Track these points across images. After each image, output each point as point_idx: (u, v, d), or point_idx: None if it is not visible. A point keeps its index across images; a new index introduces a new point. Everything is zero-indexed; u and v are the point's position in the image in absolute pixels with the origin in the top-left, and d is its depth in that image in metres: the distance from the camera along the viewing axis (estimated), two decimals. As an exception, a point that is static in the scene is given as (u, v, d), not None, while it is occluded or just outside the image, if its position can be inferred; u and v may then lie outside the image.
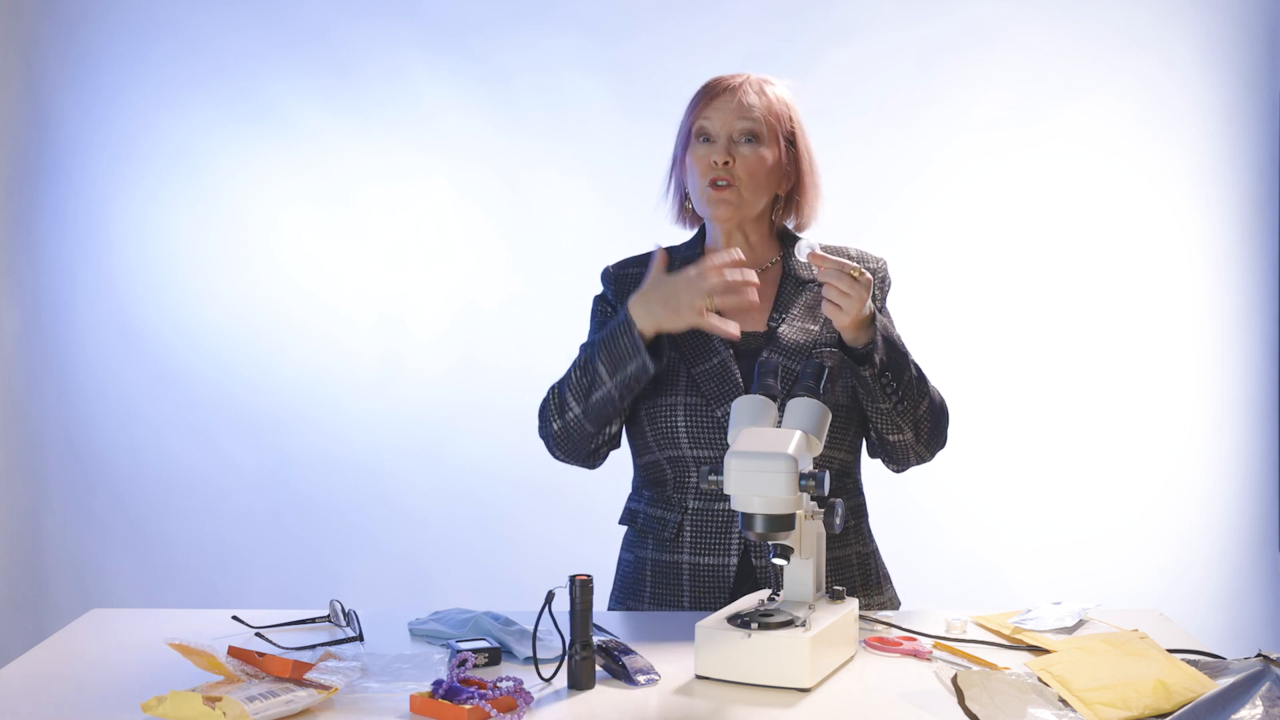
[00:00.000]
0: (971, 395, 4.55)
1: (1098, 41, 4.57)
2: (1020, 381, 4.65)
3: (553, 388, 2.77)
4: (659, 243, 2.75)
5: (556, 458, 2.82)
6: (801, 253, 2.59)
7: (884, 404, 2.66)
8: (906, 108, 4.64)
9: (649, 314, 2.63)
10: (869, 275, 2.55)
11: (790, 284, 2.82)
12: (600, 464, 2.84)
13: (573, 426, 2.74)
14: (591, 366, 2.69)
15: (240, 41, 4.68)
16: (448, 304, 4.75)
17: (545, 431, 2.79)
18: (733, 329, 2.61)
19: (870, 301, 2.57)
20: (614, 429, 2.76)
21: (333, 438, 4.76)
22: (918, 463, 2.79)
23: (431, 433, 4.75)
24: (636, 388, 2.67)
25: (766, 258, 2.86)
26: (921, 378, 2.70)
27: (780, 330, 2.76)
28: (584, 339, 2.81)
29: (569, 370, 2.74)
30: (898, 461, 2.79)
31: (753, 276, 2.60)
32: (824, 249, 2.86)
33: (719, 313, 2.61)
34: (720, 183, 2.74)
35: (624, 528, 2.89)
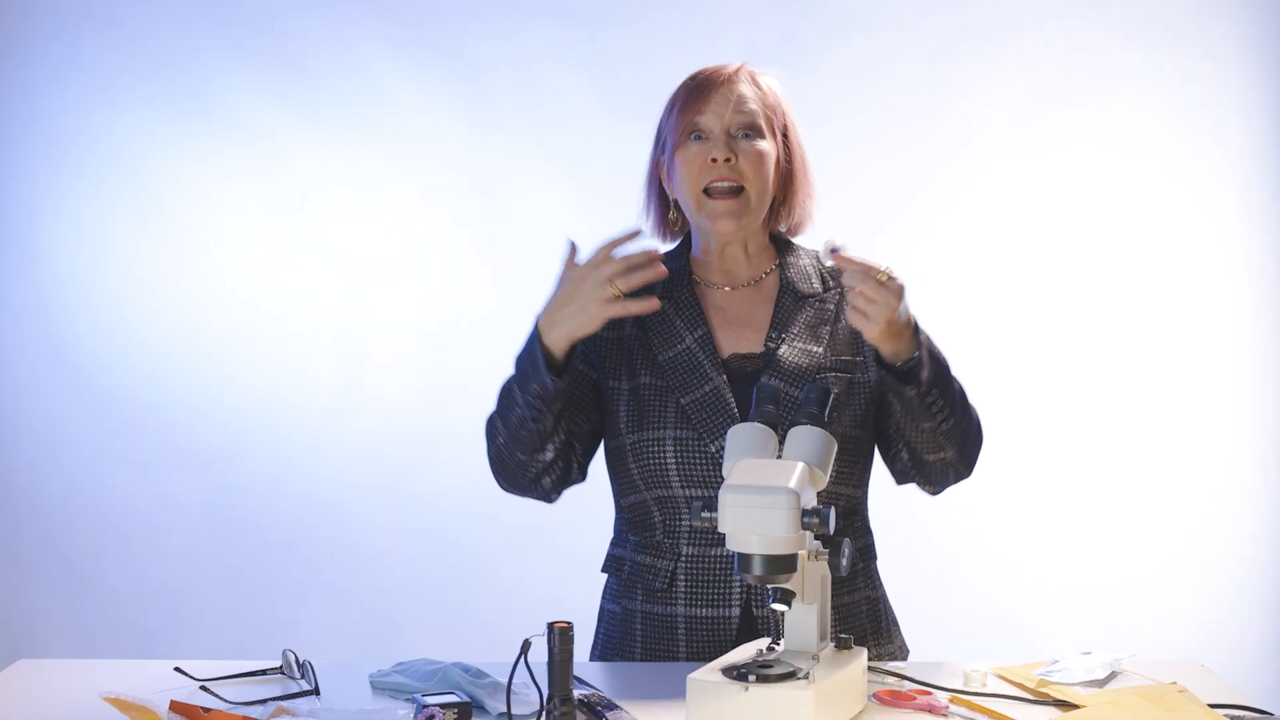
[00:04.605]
0: (991, 421, 4.54)
1: (1131, 32, 4.58)
2: (1045, 406, 4.65)
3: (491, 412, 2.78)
4: (568, 238, 2.68)
5: (501, 487, 2.81)
6: (824, 254, 2.55)
7: (927, 424, 2.64)
8: (919, 106, 4.65)
9: (557, 321, 2.62)
10: (900, 280, 2.51)
11: (789, 298, 2.79)
12: (551, 497, 2.80)
13: (504, 452, 2.73)
14: (509, 386, 2.70)
15: (184, 32, 4.68)
16: (415, 322, 4.75)
17: (487, 456, 2.79)
18: (650, 304, 2.60)
19: (907, 309, 2.55)
20: (547, 456, 2.71)
21: (286, 470, 4.76)
22: (956, 480, 2.77)
23: (396, 465, 4.75)
24: (548, 408, 2.63)
25: (762, 267, 2.84)
26: (962, 389, 2.70)
27: (780, 352, 2.73)
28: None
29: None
30: (936, 482, 2.77)
31: (654, 249, 2.62)
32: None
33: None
34: (722, 185, 2.71)
35: (606, 575, 2.89)
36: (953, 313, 4.61)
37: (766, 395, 2.42)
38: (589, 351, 2.79)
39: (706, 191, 2.72)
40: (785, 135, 2.79)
